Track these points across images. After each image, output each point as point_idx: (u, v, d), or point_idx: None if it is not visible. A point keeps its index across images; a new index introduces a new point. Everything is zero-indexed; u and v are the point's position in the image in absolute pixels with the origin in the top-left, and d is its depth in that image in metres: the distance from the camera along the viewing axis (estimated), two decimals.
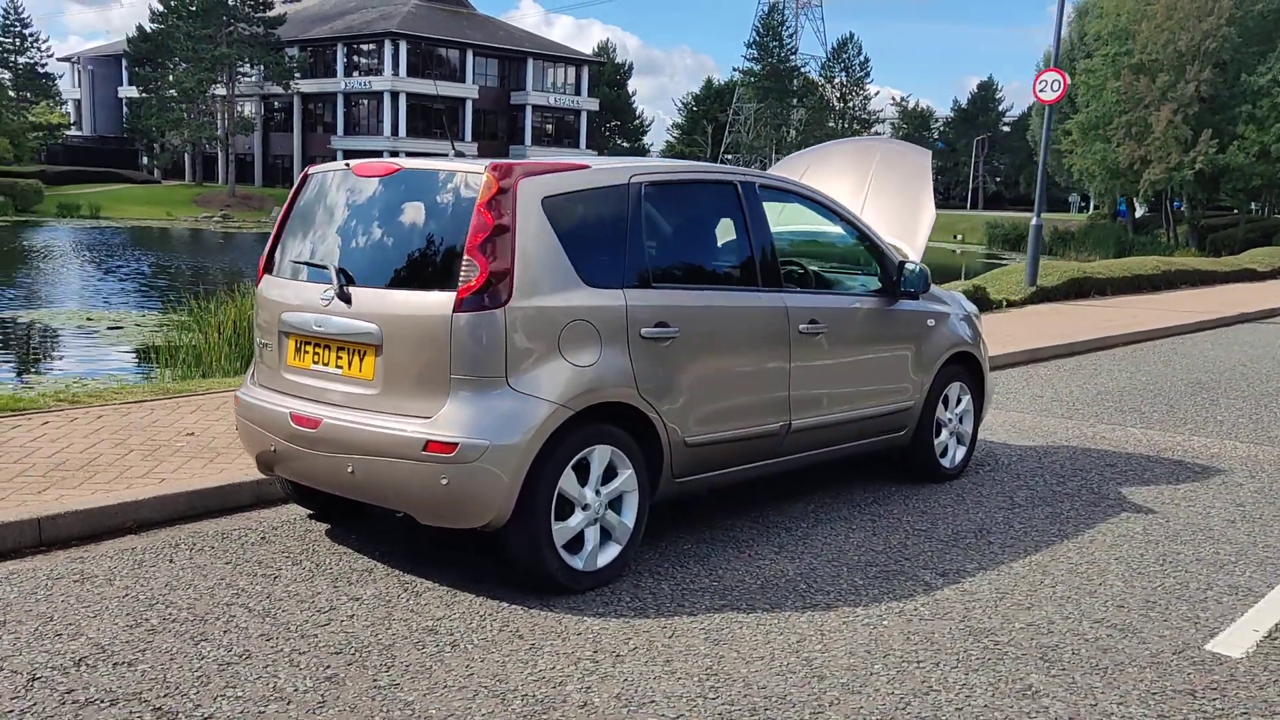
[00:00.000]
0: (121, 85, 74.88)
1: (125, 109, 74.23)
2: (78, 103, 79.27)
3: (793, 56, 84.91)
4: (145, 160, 72.13)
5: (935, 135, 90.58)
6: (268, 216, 52.76)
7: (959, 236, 56.48)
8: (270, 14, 64.08)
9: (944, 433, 6.28)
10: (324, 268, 4.49)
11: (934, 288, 6.21)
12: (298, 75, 65.87)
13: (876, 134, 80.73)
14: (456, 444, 4.02)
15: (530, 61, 71.99)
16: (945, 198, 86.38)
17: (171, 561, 4.55)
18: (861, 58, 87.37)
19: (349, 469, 4.27)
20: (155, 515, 5.02)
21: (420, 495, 4.14)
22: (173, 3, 62.35)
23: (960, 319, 6.37)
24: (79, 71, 79.79)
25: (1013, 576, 4.72)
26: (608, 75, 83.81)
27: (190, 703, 3.34)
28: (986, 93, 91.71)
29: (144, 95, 66.21)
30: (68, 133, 72.18)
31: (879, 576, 4.67)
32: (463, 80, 68.56)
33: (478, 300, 4.07)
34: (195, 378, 9.03)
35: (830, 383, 5.43)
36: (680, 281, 4.84)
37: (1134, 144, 42.02)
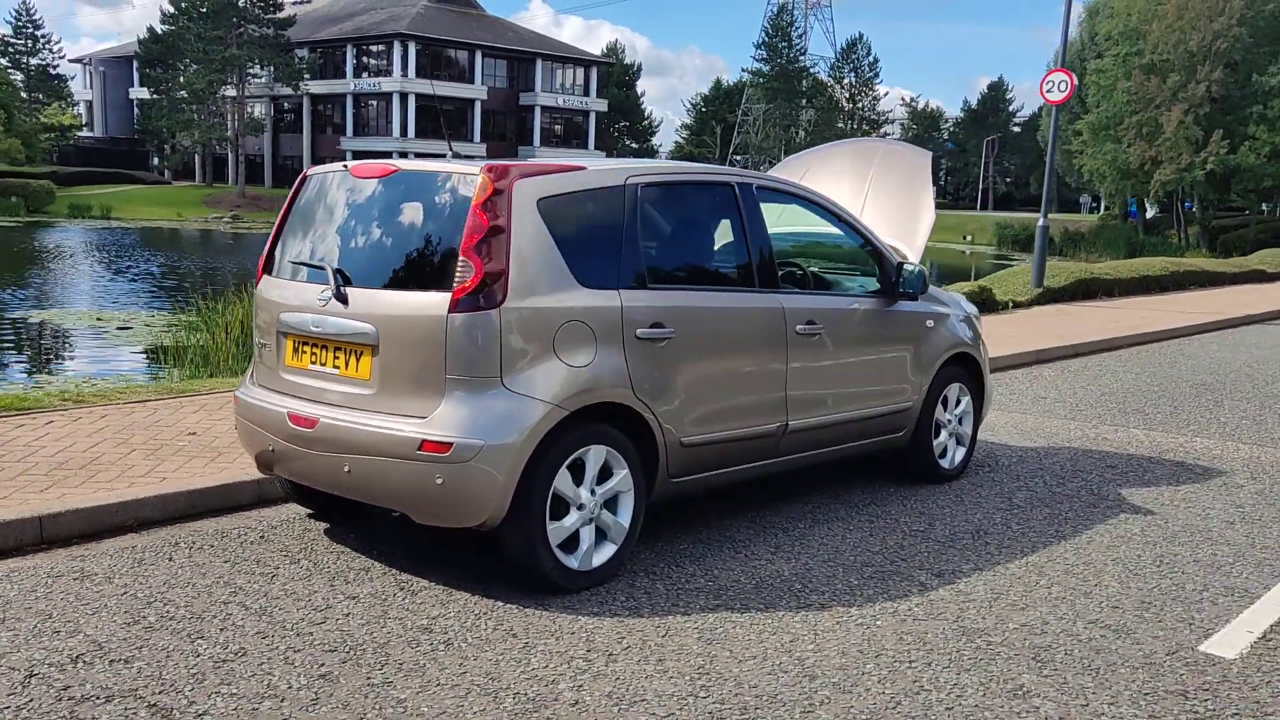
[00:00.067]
0: (133, 86, 75.28)
1: (136, 110, 74.64)
2: (89, 104, 79.75)
3: (802, 57, 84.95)
4: (156, 161, 72.56)
5: (945, 136, 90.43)
6: (276, 217, 52.91)
7: (968, 237, 56.32)
8: (280, 15, 64.44)
9: (943, 434, 6.28)
10: (322, 268, 4.52)
11: (933, 288, 6.22)
12: (307, 76, 66.19)
13: (886, 134, 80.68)
14: (451, 444, 4.04)
15: (539, 62, 72.13)
16: (955, 198, 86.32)
17: (171, 560, 4.58)
18: (871, 58, 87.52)
19: (346, 468, 4.30)
20: (156, 514, 5.06)
21: (415, 495, 4.17)
22: (183, 4, 62.76)
23: (960, 320, 6.37)
24: (90, 73, 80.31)
25: (1008, 577, 4.72)
26: (616, 76, 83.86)
27: (185, 699, 3.37)
28: (997, 93, 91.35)
29: (155, 96, 66.64)
30: (79, 134, 72.54)
31: (874, 577, 4.68)
32: (471, 81, 68.72)
33: (473, 301, 4.09)
34: (202, 378, 9.08)
35: (828, 383, 5.44)
36: (676, 282, 4.85)
37: (1145, 144, 41.84)
